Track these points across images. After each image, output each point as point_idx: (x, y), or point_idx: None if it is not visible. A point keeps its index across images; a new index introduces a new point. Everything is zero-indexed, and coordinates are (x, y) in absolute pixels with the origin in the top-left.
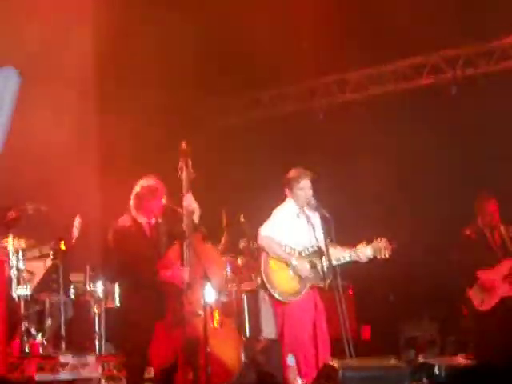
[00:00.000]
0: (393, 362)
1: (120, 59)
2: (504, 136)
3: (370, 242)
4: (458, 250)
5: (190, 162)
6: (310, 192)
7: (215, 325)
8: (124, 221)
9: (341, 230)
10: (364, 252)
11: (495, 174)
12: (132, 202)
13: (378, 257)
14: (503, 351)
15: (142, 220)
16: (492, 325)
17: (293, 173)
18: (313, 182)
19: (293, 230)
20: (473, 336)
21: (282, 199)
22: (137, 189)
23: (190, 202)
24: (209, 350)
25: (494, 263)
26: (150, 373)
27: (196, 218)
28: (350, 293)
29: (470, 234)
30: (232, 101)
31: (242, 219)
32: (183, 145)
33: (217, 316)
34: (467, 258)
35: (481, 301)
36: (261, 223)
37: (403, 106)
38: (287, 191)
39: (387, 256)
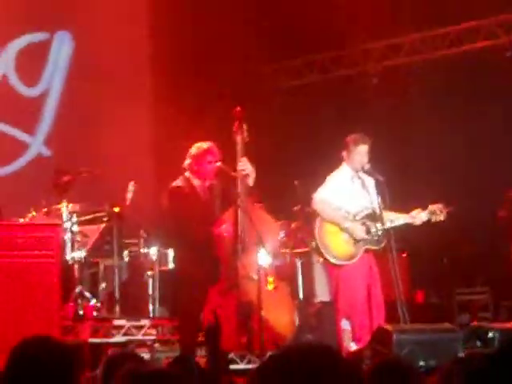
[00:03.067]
0: (446, 325)
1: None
2: None
3: (424, 208)
4: (506, 208)
5: (244, 126)
6: (367, 158)
7: (269, 288)
8: (179, 183)
9: (395, 196)
10: (419, 216)
11: None
12: (187, 165)
13: (433, 220)
14: None
15: (197, 182)
16: None
17: (352, 137)
18: (370, 149)
19: (348, 193)
20: None
21: (336, 165)
22: (192, 151)
23: (244, 165)
24: (263, 313)
25: None
26: (203, 337)
27: (251, 181)
28: (404, 256)
29: None
30: (286, 64)
31: (296, 183)
32: (238, 109)
33: (271, 279)
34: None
35: None
36: (315, 188)
37: (457, 69)
38: (344, 154)
39: (442, 219)
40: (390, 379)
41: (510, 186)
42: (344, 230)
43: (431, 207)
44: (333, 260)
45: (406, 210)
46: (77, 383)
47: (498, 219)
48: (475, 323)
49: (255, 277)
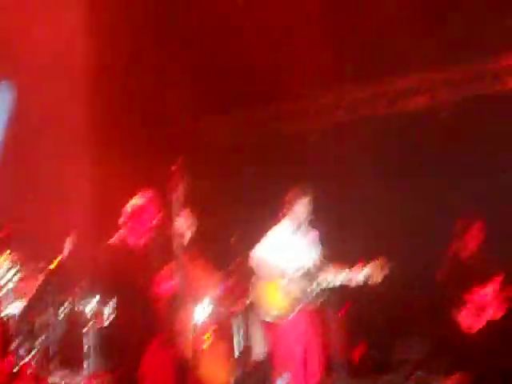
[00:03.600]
0: (388, 379)
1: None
2: None
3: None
4: (446, 272)
5: (184, 180)
6: (309, 209)
7: (206, 345)
8: (115, 240)
9: (335, 251)
10: (359, 272)
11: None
12: (127, 217)
13: (374, 278)
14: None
15: (133, 240)
16: (481, 347)
17: (292, 191)
18: (311, 202)
19: (287, 250)
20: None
21: (277, 219)
22: (128, 209)
23: (186, 218)
24: (200, 370)
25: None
26: None
27: (188, 236)
28: (344, 310)
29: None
30: (223, 118)
31: (233, 239)
32: (178, 160)
33: (208, 336)
34: (453, 279)
35: (469, 324)
36: (254, 243)
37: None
38: (285, 209)
39: (381, 277)
40: None
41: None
42: (283, 284)
43: (372, 264)
44: (268, 318)
45: (346, 263)
46: None
47: (437, 281)
48: (417, 376)
49: (196, 330)
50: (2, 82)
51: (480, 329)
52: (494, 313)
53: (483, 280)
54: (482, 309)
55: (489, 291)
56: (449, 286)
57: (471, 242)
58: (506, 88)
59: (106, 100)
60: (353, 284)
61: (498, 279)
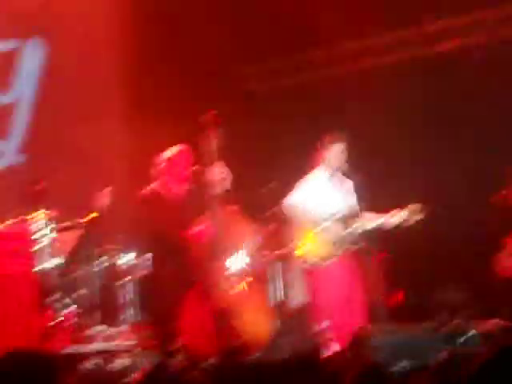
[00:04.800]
0: (426, 325)
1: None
2: None
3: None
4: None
5: (218, 130)
6: (343, 157)
7: (247, 292)
8: (155, 187)
9: (373, 197)
10: (398, 215)
11: None
12: (162, 169)
13: (411, 221)
14: None
15: (173, 186)
16: None
17: (327, 136)
18: (346, 148)
19: (324, 194)
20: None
21: (312, 166)
22: (167, 155)
23: (220, 169)
24: (241, 318)
25: None
26: (181, 342)
27: (228, 185)
28: (384, 256)
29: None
30: (257, 66)
31: (272, 185)
32: (212, 113)
33: (248, 283)
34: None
35: (508, 266)
36: (291, 189)
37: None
38: (320, 154)
39: (419, 219)
40: None
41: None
42: (321, 230)
43: (411, 206)
44: (311, 261)
45: (383, 211)
46: None
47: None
48: (455, 322)
49: (233, 280)
50: (33, 39)
51: None
52: None
53: None
54: None
55: None
56: (492, 232)
57: None
58: None
59: (140, 51)
60: (396, 222)
61: None
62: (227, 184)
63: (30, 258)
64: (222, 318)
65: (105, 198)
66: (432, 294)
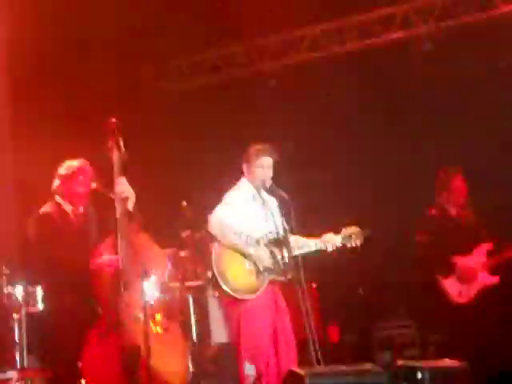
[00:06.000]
0: (368, 366)
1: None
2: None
3: (336, 231)
4: (426, 233)
5: (121, 141)
6: (270, 173)
7: (157, 329)
8: (47, 209)
9: (301, 219)
10: (332, 240)
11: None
12: (56, 187)
13: (349, 245)
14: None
15: (68, 208)
16: (472, 318)
17: (254, 147)
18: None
19: (248, 214)
20: (453, 333)
21: (234, 182)
22: (61, 171)
23: (122, 186)
24: (151, 360)
25: (466, 247)
26: None
27: (131, 205)
28: (314, 287)
29: (435, 214)
30: (169, 64)
31: (185, 204)
32: (112, 120)
33: (159, 318)
34: (437, 241)
35: (459, 292)
36: (207, 209)
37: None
38: (244, 168)
39: (358, 244)
40: None
41: (429, 205)
42: (247, 257)
43: (346, 230)
44: (233, 293)
45: (315, 234)
46: None
47: (417, 244)
48: (401, 363)
49: (141, 316)
50: None
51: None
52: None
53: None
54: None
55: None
56: (432, 250)
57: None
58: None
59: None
60: (329, 248)
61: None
62: (130, 204)
63: None
64: (131, 359)
65: None
66: (372, 329)
